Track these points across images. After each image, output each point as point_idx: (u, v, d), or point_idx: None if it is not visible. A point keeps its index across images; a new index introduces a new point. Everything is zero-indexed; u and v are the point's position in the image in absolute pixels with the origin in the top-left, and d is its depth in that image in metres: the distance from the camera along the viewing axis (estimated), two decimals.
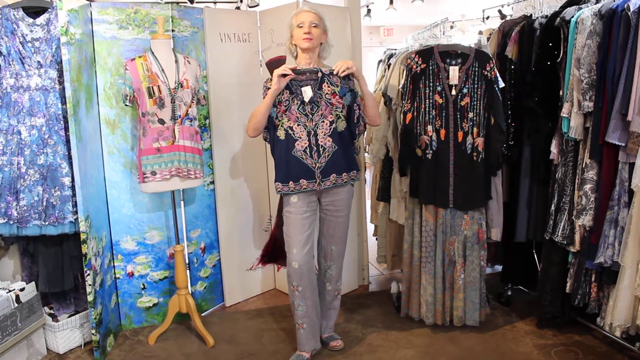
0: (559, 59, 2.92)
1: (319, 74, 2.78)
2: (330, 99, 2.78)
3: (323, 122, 2.79)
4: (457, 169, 3.10)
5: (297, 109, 2.79)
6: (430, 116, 3.09)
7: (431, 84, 3.07)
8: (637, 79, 2.41)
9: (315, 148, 2.79)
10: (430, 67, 3.07)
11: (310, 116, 2.79)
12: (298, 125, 2.79)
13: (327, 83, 2.79)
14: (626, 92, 2.45)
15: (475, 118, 3.07)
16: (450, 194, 3.11)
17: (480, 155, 3.09)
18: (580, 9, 2.79)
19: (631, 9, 2.43)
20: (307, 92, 2.79)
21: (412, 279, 3.30)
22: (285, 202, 2.88)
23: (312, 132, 2.79)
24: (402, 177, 3.46)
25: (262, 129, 2.85)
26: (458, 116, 3.07)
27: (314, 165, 2.80)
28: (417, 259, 3.25)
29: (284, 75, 2.71)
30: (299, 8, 2.88)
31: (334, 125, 2.80)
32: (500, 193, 3.27)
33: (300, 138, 2.79)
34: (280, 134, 2.82)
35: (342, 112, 2.82)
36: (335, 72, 2.78)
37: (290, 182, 2.81)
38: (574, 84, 2.74)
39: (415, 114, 3.13)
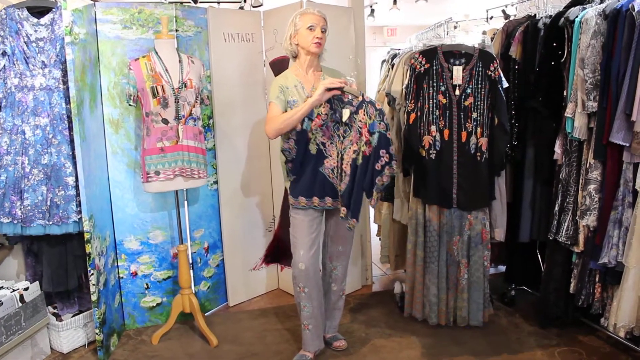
0: (563, 59, 2.91)
1: (360, 98, 2.70)
2: (360, 128, 2.71)
3: (350, 148, 2.75)
4: (461, 169, 3.09)
5: (333, 127, 2.77)
6: (434, 116, 3.08)
7: (435, 84, 3.07)
8: None
9: (339, 170, 2.78)
10: (434, 67, 3.07)
11: (342, 138, 2.77)
12: (331, 143, 2.78)
13: (364, 111, 2.70)
14: (630, 92, 2.44)
15: (479, 118, 3.06)
16: (453, 194, 3.11)
17: (484, 156, 3.08)
18: (585, 9, 2.78)
19: (636, 9, 2.42)
20: (346, 114, 2.73)
21: (416, 279, 3.30)
22: (293, 203, 2.87)
23: (340, 155, 2.78)
24: (406, 177, 3.45)
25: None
26: (462, 116, 3.07)
27: (337, 186, 2.80)
28: (421, 259, 3.24)
29: (330, 89, 2.63)
30: (304, 8, 2.84)
31: (355, 155, 2.74)
32: (504, 193, 3.27)
33: (331, 157, 2.78)
34: (312, 148, 2.78)
35: (364, 146, 2.69)
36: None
37: (315, 198, 2.80)
38: (578, 84, 2.74)
39: (418, 114, 3.12)
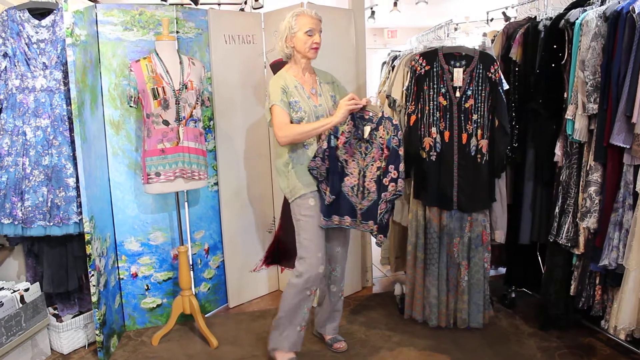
0: (564, 61, 2.92)
1: (380, 114, 2.73)
2: (381, 144, 2.74)
3: (372, 165, 2.76)
4: (461, 171, 3.10)
5: (355, 145, 2.78)
6: (434, 118, 3.09)
7: (435, 86, 3.07)
8: None
9: (361, 189, 2.78)
10: (435, 69, 3.07)
11: (364, 155, 2.78)
12: (353, 160, 2.79)
13: (384, 127, 2.73)
14: (631, 94, 2.44)
15: (479, 120, 3.06)
16: (454, 196, 3.11)
17: (485, 157, 3.09)
18: (585, 11, 2.78)
19: (636, 11, 2.42)
20: (367, 131, 2.76)
21: (416, 281, 3.30)
22: (300, 206, 2.80)
23: (362, 172, 2.78)
24: (406, 179, 3.45)
25: None
26: (462, 118, 3.07)
27: (357, 205, 2.80)
28: (421, 261, 3.24)
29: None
30: (301, 9, 2.77)
31: (379, 172, 2.76)
32: (504, 195, 3.27)
33: (352, 174, 2.78)
34: (337, 166, 2.80)
35: (384, 162, 2.74)
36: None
37: (335, 217, 2.81)
38: (578, 86, 2.74)
39: (419, 115, 3.12)
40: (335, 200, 2.76)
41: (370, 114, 2.74)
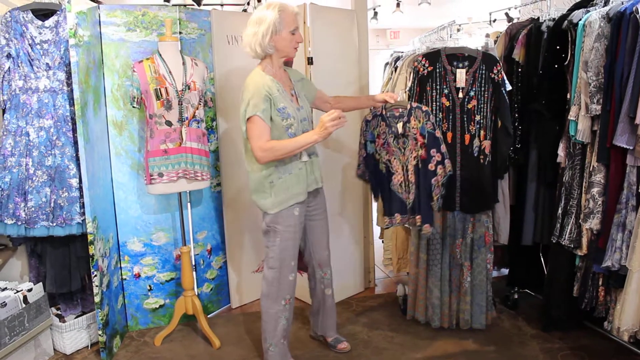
0: (567, 62, 2.91)
1: (408, 106, 2.80)
2: (415, 134, 2.80)
3: (411, 157, 2.82)
4: (464, 172, 3.09)
5: (393, 142, 2.83)
6: (437, 119, 3.08)
7: (438, 87, 3.07)
8: None
9: (407, 183, 2.84)
10: (438, 70, 3.07)
11: (403, 150, 2.83)
12: (395, 158, 2.84)
13: (414, 116, 2.81)
14: (634, 95, 2.44)
15: (482, 121, 3.06)
16: (456, 197, 3.10)
17: (487, 158, 3.08)
18: (588, 11, 2.78)
19: (639, 12, 2.42)
20: (400, 126, 2.83)
21: (419, 282, 3.29)
22: (285, 217, 2.65)
23: (405, 167, 2.82)
24: None
25: None
26: (465, 119, 3.06)
27: (406, 201, 2.87)
28: (424, 262, 3.24)
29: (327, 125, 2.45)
30: (282, 3, 2.53)
31: (416, 161, 2.82)
32: (507, 196, 3.26)
33: (397, 172, 2.83)
34: (382, 167, 2.87)
35: (420, 149, 2.81)
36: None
37: (397, 215, 2.88)
38: (581, 87, 2.73)
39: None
40: (389, 199, 2.77)
41: (400, 110, 2.82)
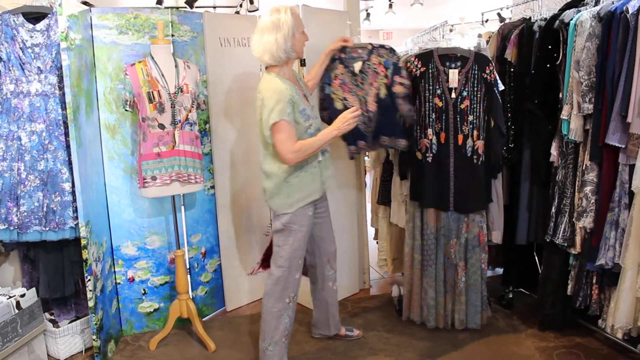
0: (559, 62, 2.92)
1: (369, 47, 3.04)
2: (376, 68, 3.01)
3: (371, 89, 3.01)
4: (458, 172, 3.10)
5: (350, 81, 3.03)
6: (430, 119, 3.09)
7: (431, 87, 3.08)
8: (636, 80, 2.41)
9: (365, 114, 3.02)
10: (430, 71, 3.07)
11: (361, 85, 3.03)
12: (352, 94, 3.04)
13: (376, 54, 3.03)
14: (626, 94, 2.45)
15: (475, 121, 3.07)
16: (450, 197, 3.11)
17: (481, 158, 3.09)
18: (579, 11, 2.79)
19: (630, 11, 2.43)
20: (358, 65, 3.01)
21: (414, 283, 3.30)
22: (299, 215, 2.71)
23: (363, 100, 3.02)
24: (403, 180, 3.45)
25: None
26: (458, 119, 3.07)
27: (366, 130, 3.07)
28: (418, 262, 3.24)
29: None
30: (291, 6, 2.62)
31: (377, 91, 3.01)
32: (500, 195, 3.27)
33: (354, 106, 2.90)
34: (338, 105, 3.04)
35: (384, 79, 3.03)
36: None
37: (361, 141, 3.13)
38: (573, 86, 2.75)
39: (415, 117, 3.13)
40: (350, 132, 2.81)
41: (359, 51, 3.00)
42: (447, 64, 3.06)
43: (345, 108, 2.93)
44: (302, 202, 2.71)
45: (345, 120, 2.61)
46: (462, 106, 3.06)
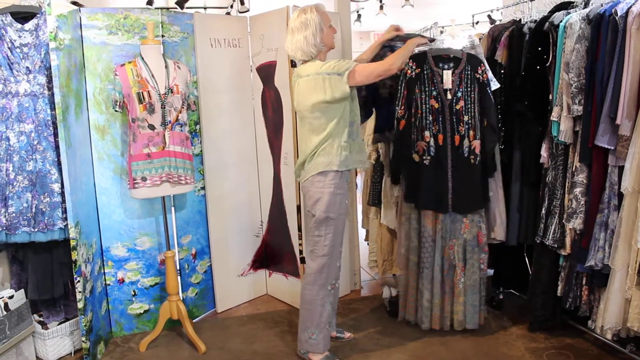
0: (548, 63, 2.94)
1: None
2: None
3: None
4: (455, 173, 3.09)
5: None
6: (427, 121, 3.09)
7: (427, 89, 3.08)
8: (625, 82, 2.43)
9: None
10: (425, 72, 3.07)
11: None
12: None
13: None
14: (615, 96, 2.46)
15: (470, 121, 3.07)
16: (449, 199, 3.10)
17: (477, 158, 3.09)
18: (569, 13, 2.81)
19: (619, 14, 2.45)
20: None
21: (409, 284, 3.29)
22: (343, 179, 2.83)
23: None
24: (394, 184, 3.44)
25: None
26: (454, 120, 3.07)
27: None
28: (414, 264, 3.24)
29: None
30: (316, 4, 2.80)
31: None
32: (501, 193, 3.23)
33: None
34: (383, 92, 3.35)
35: None
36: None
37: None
38: (563, 88, 2.76)
39: (412, 119, 3.11)
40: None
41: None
42: (441, 65, 3.07)
43: (389, 94, 3.19)
44: (350, 165, 2.83)
45: (415, 42, 2.89)
46: (458, 107, 3.07)
